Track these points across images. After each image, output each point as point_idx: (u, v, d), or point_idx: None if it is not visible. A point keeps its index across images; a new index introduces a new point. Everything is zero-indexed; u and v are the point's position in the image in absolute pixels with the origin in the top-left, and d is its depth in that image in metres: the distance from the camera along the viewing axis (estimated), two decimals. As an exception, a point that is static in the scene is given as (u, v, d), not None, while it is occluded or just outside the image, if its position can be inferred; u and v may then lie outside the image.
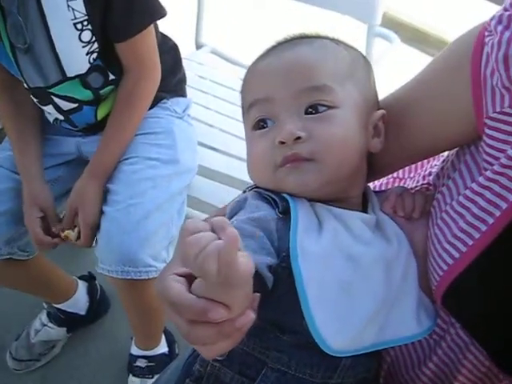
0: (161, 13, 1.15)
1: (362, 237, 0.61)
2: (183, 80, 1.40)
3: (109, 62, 1.15)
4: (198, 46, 1.94)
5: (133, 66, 1.16)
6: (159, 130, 1.24)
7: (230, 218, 0.60)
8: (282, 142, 0.60)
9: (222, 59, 1.95)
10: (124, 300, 1.28)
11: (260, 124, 0.64)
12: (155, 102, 1.26)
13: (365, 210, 0.67)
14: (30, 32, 1.06)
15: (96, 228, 1.14)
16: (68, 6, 1.04)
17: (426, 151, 0.70)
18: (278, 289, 0.55)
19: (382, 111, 0.67)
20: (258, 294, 0.45)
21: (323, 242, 0.58)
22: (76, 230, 1.15)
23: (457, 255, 0.59)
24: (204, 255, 0.38)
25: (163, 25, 1.29)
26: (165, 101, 1.30)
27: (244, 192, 0.67)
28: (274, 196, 0.61)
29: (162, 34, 1.31)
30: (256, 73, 0.67)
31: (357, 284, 0.58)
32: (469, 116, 0.59)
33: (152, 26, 1.16)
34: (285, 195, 0.61)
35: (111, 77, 1.18)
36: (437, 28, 2.88)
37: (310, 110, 0.62)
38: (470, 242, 0.58)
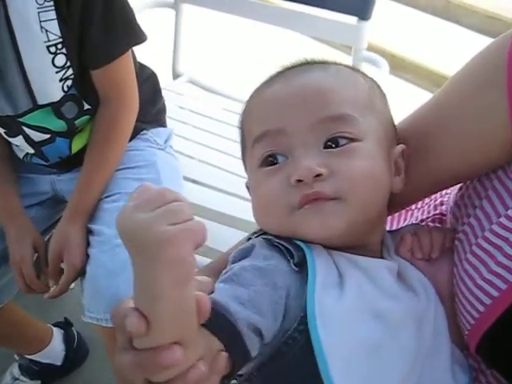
0: (141, 37, 1.10)
1: (388, 289, 0.54)
2: (163, 110, 1.35)
3: (84, 91, 1.09)
4: (176, 76, 1.89)
5: (110, 94, 1.10)
6: (141, 164, 1.17)
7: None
8: (300, 181, 0.53)
9: (201, 88, 1.90)
10: (113, 351, 1.17)
11: (269, 160, 0.57)
12: (135, 134, 1.19)
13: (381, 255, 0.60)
14: None
15: (78, 274, 1.05)
16: (41, 26, 0.97)
17: (453, 179, 0.63)
18: (296, 355, 0.48)
19: (401, 146, 0.61)
20: (225, 354, 0.41)
21: (346, 300, 0.51)
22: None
23: (495, 293, 0.53)
24: None
25: (138, 54, 1.23)
26: (145, 132, 1.24)
27: (249, 239, 0.59)
28: (287, 245, 0.54)
29: (139, 62, 1.25)
30: (263, 101, 0.59)
31: (385, 345, 0.51)
32: (504, 133, 0.53)
33: (130, 52, 1.10)
34: (299, 243, 0.54)
35: (86, 106, 1.11)
36: (413, 54, 2.90)
37: (330, 143, 0.55)
38: None
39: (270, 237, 0.56)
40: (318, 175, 0.52)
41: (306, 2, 1.51)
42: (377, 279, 0.54)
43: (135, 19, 1.09)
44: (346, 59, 1.54)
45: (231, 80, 2.45)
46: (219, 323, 0.43)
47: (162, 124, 1.32)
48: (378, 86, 0.63)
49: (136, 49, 1.14)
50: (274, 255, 0.53)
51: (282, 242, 0.54)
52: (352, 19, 1.49)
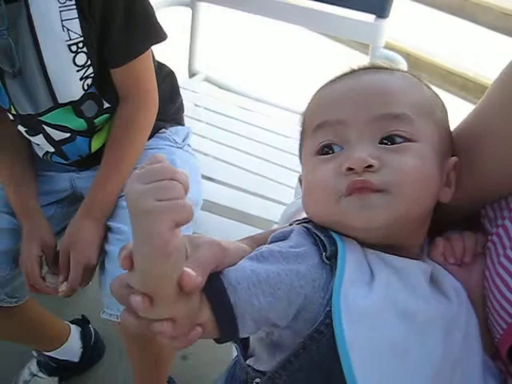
0: (161, 36, 1.09)
1: (418, 290, 0.53)
2: (181, 108, 1.34)
3: (103, 90, 1.08)
4: (192, 74, 1.89)
5: (130, 93, 1.09)
6: None
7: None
8: (351, 169, 0.53)
9: (217, 87, 1.89)
10: (131, 349, 1.18)
11: (324, 150, 0.58)
12: (153, 132, 1.19)
13: None
14: (21, 55, 0.99)
15: (87, 274, 1.04)
16: (62, 25, 0.97)
17: (498, 186, 0.60)
18: (321, 350, 0.48)
19: (455, 158, 0.60)
20: (200, 329, 0.45)
21: (373, 297, 0.50)
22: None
23: None
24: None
25: (155, 52, 1.23)
26: (163, 130, 1.23)
27: (290, 225, 0.60)
28: (322, 237, 0.54)
29: (157, 61, 1.25)
30: (328, 92, 0.61)
31: (411, 346, 0.50)
32: None
33: (150, 50, 1.10)
34: (335, 237, 0.54)
35: (106, 105, 1.11)
36: (428, 52, 2.87)
37: (385, 141, 0.55)
38: None
39: (309, 226, 0.56)
40: (369, 166, 0.53)
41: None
42: (408, 279, 0.53)
43: (156, 18, 1.08)
44: (364, 58, 1.53)
45: (247, 78, 2.44)
46: (217, 297, 0.46)
47: (181, 122, 1.31)
48: (441, 100, 0.63)
49: (153, 47, 1.13)
50: (306, 245, 0.53)
51: (318, 233, 0.54)
52: (370, 17, 1.47)
